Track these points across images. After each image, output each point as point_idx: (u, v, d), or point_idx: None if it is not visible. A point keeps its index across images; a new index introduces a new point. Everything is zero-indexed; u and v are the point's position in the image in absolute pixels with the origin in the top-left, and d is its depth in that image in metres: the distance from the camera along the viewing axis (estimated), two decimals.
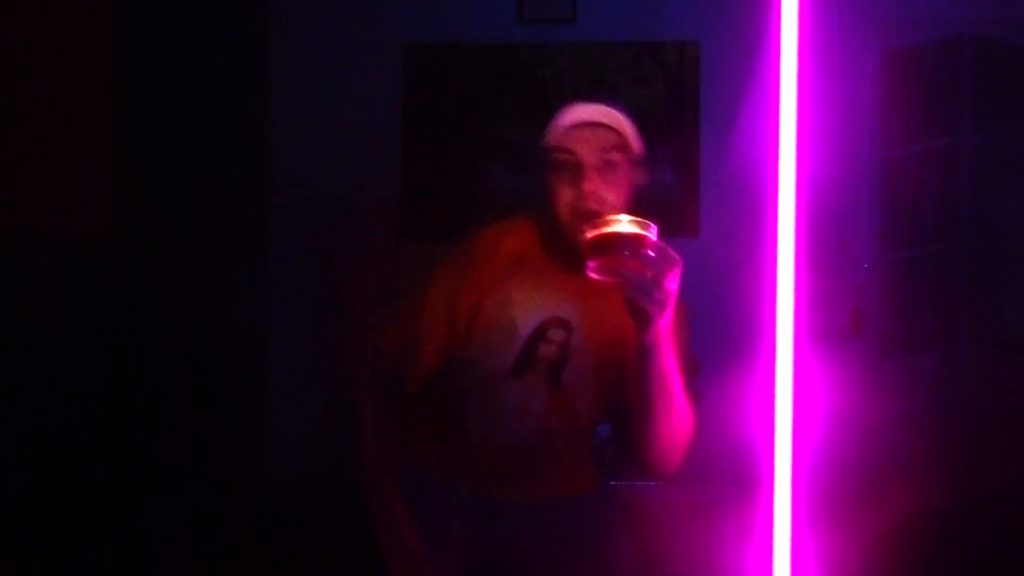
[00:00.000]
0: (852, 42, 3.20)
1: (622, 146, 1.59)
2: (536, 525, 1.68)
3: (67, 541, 2.16)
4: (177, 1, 2.74)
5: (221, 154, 2.94)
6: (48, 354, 2.18)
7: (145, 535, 2.44)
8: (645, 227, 1.33)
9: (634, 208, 1.55)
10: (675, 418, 1.49)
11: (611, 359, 1.60)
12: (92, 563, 2.24)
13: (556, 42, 3.24)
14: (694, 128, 3.21)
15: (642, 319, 1.36)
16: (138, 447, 2.48)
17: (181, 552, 2.52)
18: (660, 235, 1.37)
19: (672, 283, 1.34)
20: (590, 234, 1.34)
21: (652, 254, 1.32)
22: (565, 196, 1.56)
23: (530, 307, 1.59)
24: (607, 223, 1.33)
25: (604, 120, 1.58)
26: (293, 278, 3.24)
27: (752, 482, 2.56)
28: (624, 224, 1.33)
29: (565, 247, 1.56)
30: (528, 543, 1.69)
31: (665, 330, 1.39)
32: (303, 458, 3.14)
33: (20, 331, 2.09)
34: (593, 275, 1.35)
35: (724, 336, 2.97)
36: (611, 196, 1.55)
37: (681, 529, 2.62)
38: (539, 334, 1.59)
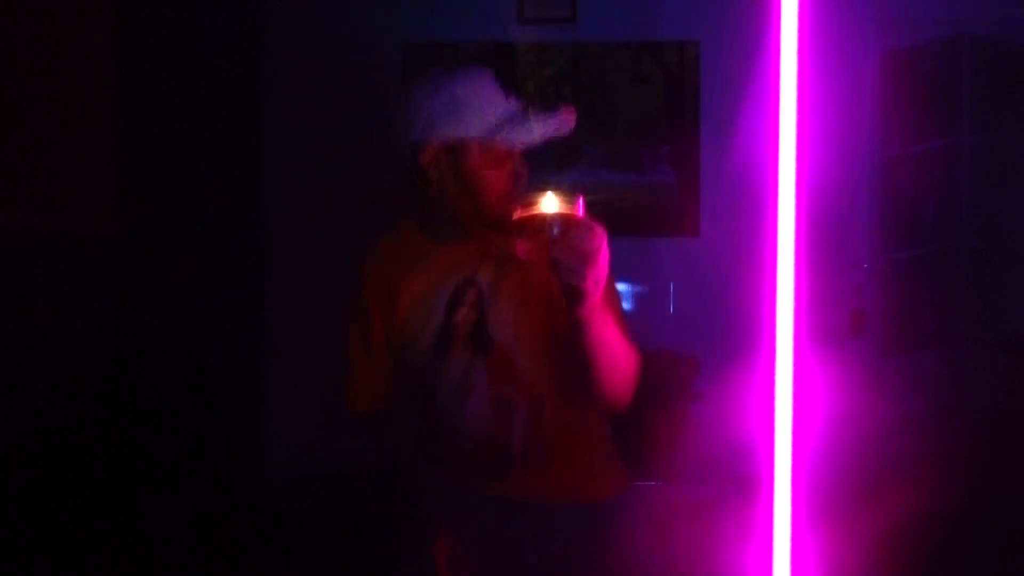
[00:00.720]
0: (852, 42, 3.20)
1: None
2: (549, 529, 1.66)
3: (67, 541, 2.16)
4: (177, 1, 2.74)
5: (221, 154, 2.94)
6: (48, 354, 2.18)
7: (145, 535, 2.44)
8: (572, 203, 1.34)
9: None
10: (619, 366, 1.52)
11: (532, 309, 1.59)
12: (92, 563, 2.24)
13: (556, 42, 3.24)
14: (694, 128, 3.21)
15: (575, 296, 1.37)
16: (138, 447, 2.48)
17: (181, 552, 2.52)
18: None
19: (603, 258, 1.35)
20: (516, 215, 1.35)
21: (579, 231, 1.33)
22: (498, 182, 1.60)
23: (435, 287, 1.61)
24: (534, 202, 1.34)
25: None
26: (293, 278, 3.24)
27: (752, 482, 2.56)
28: (550, 202, 1.33)
29: (465, 228, 1.60)
30: (539, 545, 1.67)
31: (599, 302, 1.40)
32: (303, 458, 3.14)
33: (20, 331, 2.09)
34: (523, 256, 1.38)
35: (724, 336, 2.97)
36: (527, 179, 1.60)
37: (681, 529, 2.62)
38: (451, 304, 1.60)
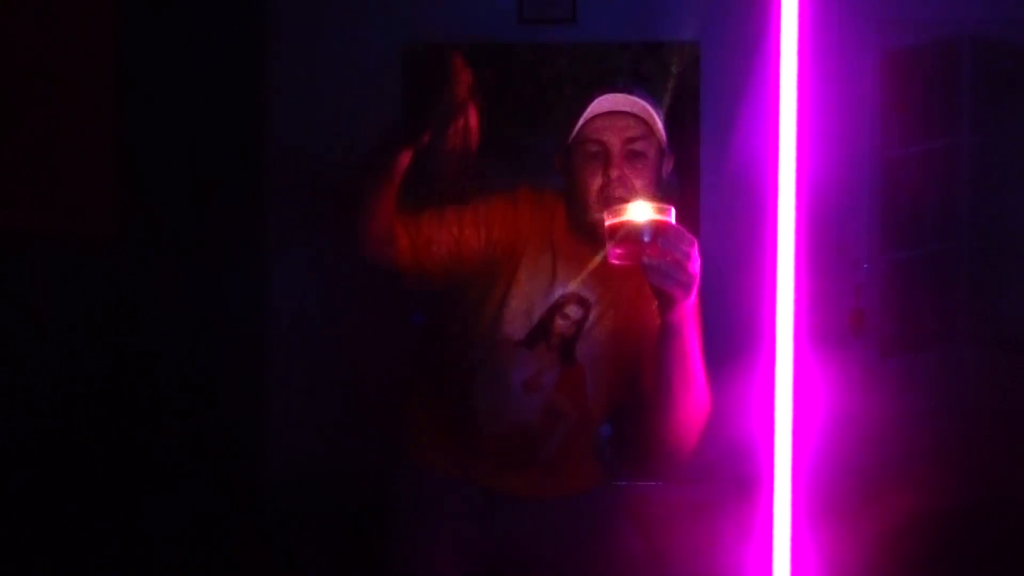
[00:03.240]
0: (852, 43, 3.20)
1: (647, 134, 1.60)
2: (541, 521, 1.69)
3: (67, 541, 2.16)
4: (177, 1, 2.74)
5: (221, 154, 2.94)
6: (48, 354, 2.18)
7: (145, 535, 2.44)
8: (664, 212, 1.34)
9: (661, 194, 1.57)
10: (695, 397, 1.51)
11: (626, 343, 1.63)
12: (92, 563, 2.24)
13: (556, 42, 3.24)
14: (694, 128, 3.21)
15: (666, 302, 1.38)
16: (138, 447, 2.48)
17: (181, 552, 2.52)
18: None
19: (694, 265, 1.35)
20: (609, 221, 1.36)
21: (671, 238, 1.33)
22: (593, 184, 1.58)
23: (551, 281, 1.62)
24: (625, 210, 1.35)
25: (630, 109, 1.59)
26: (293, 278, 3.24)
27: (752, 482, 2.56)
28: (642, 210, 1.34)
29: (589, 230, 1.58)
30: (533, 539, 1.70)
31: (689, 311, 1.41)
32: (303, 458, 3.14)
33: (20, 331, 2.09)
34: (615, 262, 1.36)
35: (724, 336, 2.97)
36: (638, 183, 1.57)
37: (681, 529, 2.62)
38: (556, 308, 1.62)
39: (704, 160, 3.21)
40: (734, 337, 2.79)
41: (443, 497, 1.69)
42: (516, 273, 1.62)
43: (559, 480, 1.72)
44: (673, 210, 1.35)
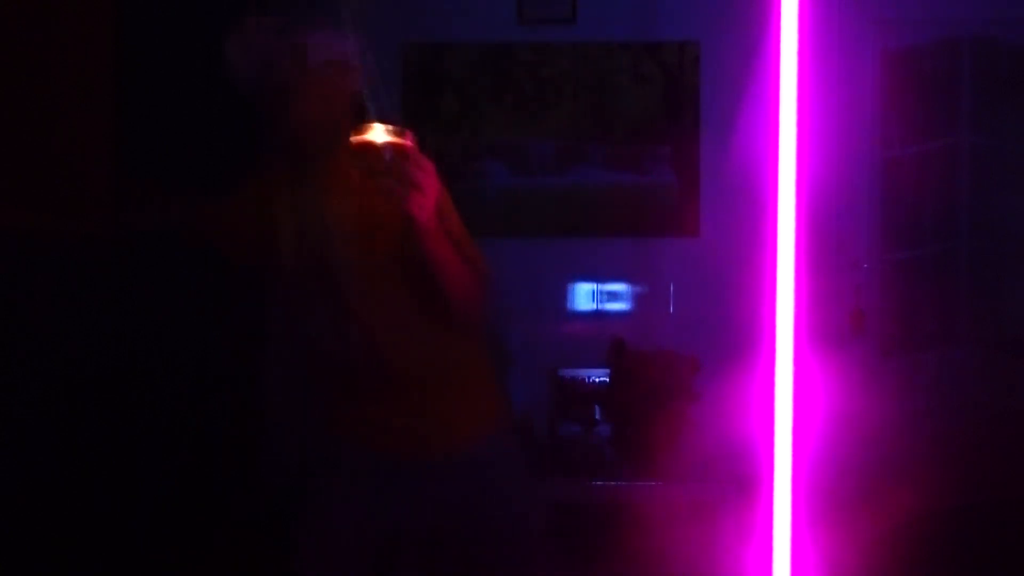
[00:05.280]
0: (852, 42, 3.20)
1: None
2: (439, 484, 1.69)
3: (66, 541, 2.16)
4: (178, 2, 2.74)
5: (221, 154, 2.94)
6: (48, 354, 2.18)
7: (144, 535, 2.44)
8: (401, 134, 1.45)
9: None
10: (460, 282, 1.62)
11: (374, 232, 1.67)
12: (92, 563, 2.24)
13: (556, 42, 3.23)
14: (694, 128, 3.21)
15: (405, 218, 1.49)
16: (138, 447, 2.48)
17: (181, 552, 2.52)
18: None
19: (431, 187, 1.48)
20: (353, 141, 1.45)
21: (407, 160, 1.44)
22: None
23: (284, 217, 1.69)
24: (367, 131, 1.44)
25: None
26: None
27: (752, 482, 2.56)
28: (382, 132, 1.44)
29: (297, 155, 1.69)
30: (434, 506, 1.70)
31: (432, 227, 1.53)
32: (303, 457, 3.13)
33: (20, 331, 2.09)
34: (356, 179, 1.51)
35: (724, 336, 2.97)
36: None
37: (681, 529, 2.62)
38: (301, 232, 1.68)
39: (704, 160, 3.20)
40: (734, 337, 2.79)
41: (358, 468, 1.71)
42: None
43: (451, 421, 1.71)
44: (411, 134, 1.46)
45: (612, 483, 2.82)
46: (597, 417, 2.98)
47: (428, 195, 1.47)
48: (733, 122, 3.05)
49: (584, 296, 3.25)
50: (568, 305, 3.25)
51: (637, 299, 3.25)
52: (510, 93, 3.23)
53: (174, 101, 2.69)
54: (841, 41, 3.14)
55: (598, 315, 3.23)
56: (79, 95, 2.32)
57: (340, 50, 1.67)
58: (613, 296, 3.25)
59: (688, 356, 2.91)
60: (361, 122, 1.47)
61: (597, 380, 2.99)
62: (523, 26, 3.24)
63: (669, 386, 2.87)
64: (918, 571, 2.61)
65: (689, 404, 2.87)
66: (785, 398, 1.25)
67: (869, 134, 3.27)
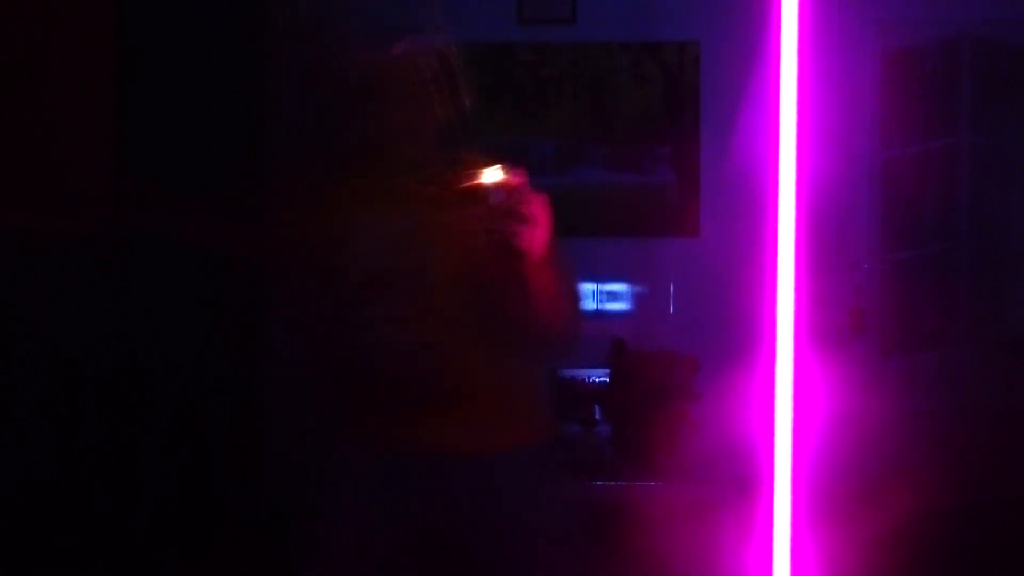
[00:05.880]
0: (852, 42, 3.20)
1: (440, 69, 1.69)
2: (479, 480, 1.68)
3: (66, 541, 2.16)
4: (178, 2, 2.74)
5: (221, 154, 2.94)
6: (48, 354, 2.18)
7: (144, 535, 2.44)
8: (511, 173, 1.45)
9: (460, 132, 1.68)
10: (555, 313, 1.62)
11: (468, 259, 1.65)
12: (91, 563, 2.24)
13: (556, 42, 3.23)
14: (694, 128, 3.21)
15: (514, 256, 1.48)
16: (137, 447, 2.48)
17: (181, 552, 2.52)
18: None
19: (542, 221, 1.47)
20: (462, 184, 1.46)
21: (520, 198, 1.45)
22: (394, 120, 1.68)
23: (382, 224, 1.68)
24: (477, 172, 1.45)
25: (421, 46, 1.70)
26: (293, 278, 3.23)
27: (752, 482, 2.56)
28: (492, 173, 1.44)
29: (396, 168, 1.69)
30: (472, 502, 1.69)
31: (539, 254, 1.51)
32: (303, 457, 3.14)
33: (20, 331, 2.09)
34: (467, 223, 1.49)
35: (724, 336, 2.97)
36: (432, 118, 1.66)
37: (681, 529, 2.62)
38: (396, 242, 1.67)
39: (704, 160, 3.20)
40: (734, 337, 2.79)
41: (377, 470, 1.70)
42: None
43: (490, 429, 1.71)
44: (522, 172, 1.46)
45: (612, 483, 2.82)
46: (597, 417, 2.98)
47: (540, 229, 1.47)
48: (733, 122, 3.05)
49: (584, 296, 3.25)
50: None
51: (637, 299, 3.25)
52: (510, 93, 3.23)
53: (174, 101, 2.69)
54: (841, 41, 3.14)
55: (598, 315, 3.23)
56: (79, 95, 2.32)
57: (440, 64, 1.69)
58: (613, 296, 3.25)
59: (688, 356, 2.91)
60: (461, 154, 1.51)
61: (597, 380, 2.99)
62: (523, 26, 3.24)
63: (669, 386, 2.87)
64: (918, 571, 2.61)
65: (689, 404, 2.87)
66: (785, 398, 1.25)
67: (869, 134, 3.27)
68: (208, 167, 2.86)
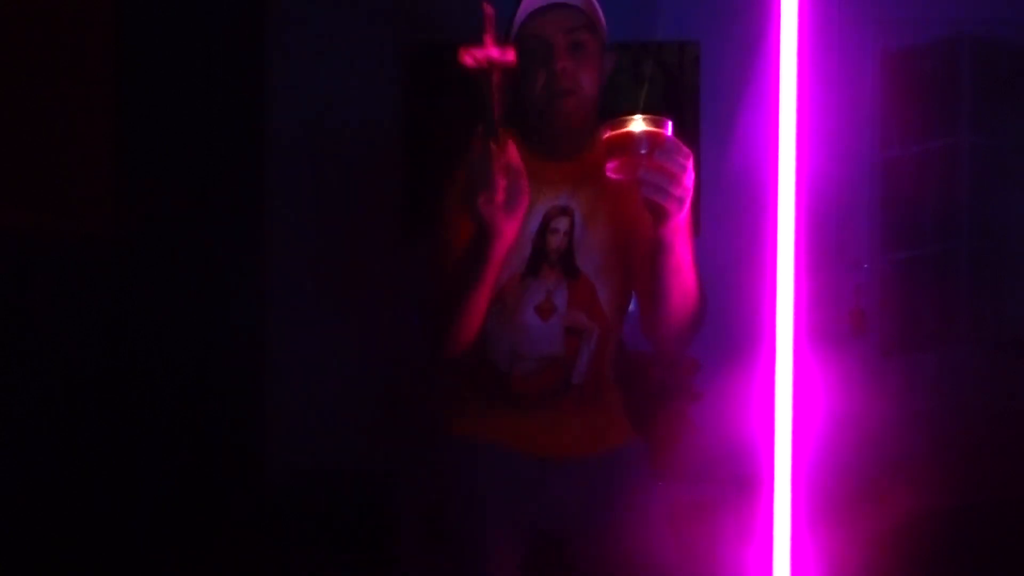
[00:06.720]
0: (852, 42, 3.20)
1: (589, 26, 1.60)
2: (585, 482, 1.66)
3: (66, 540, 2.16)
4: (178, 2, 2.74)
5: (221, 154, 2.94)
6: (48, 353, 2.18)
7: (144, 535, 2.44)
8: (660, 124, 1.36)
9: (603, 89, 1.61)
10: (688, 304, 1.53)
11: (619, 241, 1.63)
12: (91, 563, 2.24)
13: None
14: (694, 128, 3.21)
15: (661, 215, 1.40)
16: (138, 447, 2.48)
17: (181, 551, 2.52)
18: None
19: (688, 179, 1.37)
20: (606, 134, 1.37)
21: (668, 151, 1.35)
22: (539, 79, 1.57)
23: (530, 204, 1.55)
24: (623, 123, 1.37)
25: (568, 0, 1.59)
26: (293, 278, 3.24)
27: (752, 482, 2.55)
28: (639, 122, 1.36)
29: (549, 136, 1.60)
30: (578, 503, 1.65)
31: (682, 226, 1.44)
32: (303, 457, 3.14)
33: (20, 331, 2.09)
34: (612, 175, 1.38)
35: (724, 336, 2.96)
36: (583, 75, 1.57)
37: (681, 529, 2.61)
38: (544, 227, 1.61)
39: (704, 160, 3.20)
40: (734, 337, 2.79)
41: (484, 467, 1.64)
42: None
43: (597, 433, 1.70)
44: (670, 123, 1.37)
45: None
46: None
47: (685, 189, 1.37)
48: (733, 122, 3.05)
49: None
50: None
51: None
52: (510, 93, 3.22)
53: (174, 101, 2.70)
54: (841, 41, 3.14)
55: None
56: (79, 95, 2.32)
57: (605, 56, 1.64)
58: None
59: (688, 356, 2.91)
60: (617, 115, 1.40)
61: None
62: None
63: (669, 386, 2.86)
64: (918, 571, 2.60)
65: (689, 404, 2.87)
66: (785, 398, 1.25)
67: (869, 134, 3.27)
68: (208, 167, 2.86)
